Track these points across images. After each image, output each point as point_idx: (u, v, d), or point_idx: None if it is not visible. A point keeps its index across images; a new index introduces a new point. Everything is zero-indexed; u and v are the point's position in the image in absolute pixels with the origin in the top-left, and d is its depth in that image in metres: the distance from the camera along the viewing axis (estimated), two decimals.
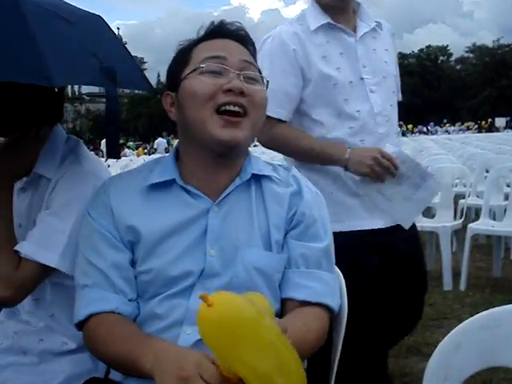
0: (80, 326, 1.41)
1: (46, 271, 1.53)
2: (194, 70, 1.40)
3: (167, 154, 1.58)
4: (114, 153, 1.55)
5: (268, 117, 1.67)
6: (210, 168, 1.44)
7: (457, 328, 1.13)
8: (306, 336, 1.33)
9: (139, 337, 1.30)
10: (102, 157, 13.33)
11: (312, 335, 1.37)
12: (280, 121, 2.25)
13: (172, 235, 1.40)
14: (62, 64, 1.34)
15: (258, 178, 1.48)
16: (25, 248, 1.52)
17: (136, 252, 1.41)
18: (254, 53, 1.51)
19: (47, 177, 1.62)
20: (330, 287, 1.44)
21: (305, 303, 1.41)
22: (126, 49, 1.77)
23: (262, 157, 1.98)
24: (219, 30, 1.48)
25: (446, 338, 1.13)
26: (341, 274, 1.58)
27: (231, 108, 1.34)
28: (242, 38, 1.48)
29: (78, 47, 1.48)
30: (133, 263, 1.42)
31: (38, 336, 1.65)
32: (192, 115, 1.39)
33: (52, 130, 1.70)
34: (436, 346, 3.35)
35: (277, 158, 7.53)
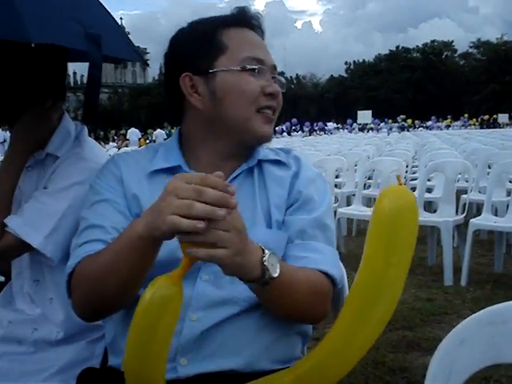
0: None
1: (25, 248, 1.54)
2: (239, 67, 1.39)
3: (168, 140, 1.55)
4: (92, 118, 1.65)
5: None
6: (225, 156, 1.44)
7: (461, 324, 1.10)
8: (300, 277, 1.29)
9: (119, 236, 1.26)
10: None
11: (307, 285, 1.31)
12: None
13: None
14: (39, 22, 1.40)
15: (259, 163, 1.48)
16: (12, 221, 1.53)
17: None
18: None
19: (56, 155, 1.63)
20: (326, 256, 1.39)
21: None
22: (112, 17, 1.80)
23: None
24: (246, 20, 1.47)
25: (449, 333, 1.10)
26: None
27: (268, 111, 1.43)
28: (262, 32, 1.50)
29: (60, 11, 1.53)
30: None
31: (33, 325, 1.63)
32: (235, 112, 1.39)
33: (63, 115, 1.71)
34: (436, 342, 3.33)
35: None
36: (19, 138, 1.60)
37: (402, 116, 60.45)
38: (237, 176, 1.44)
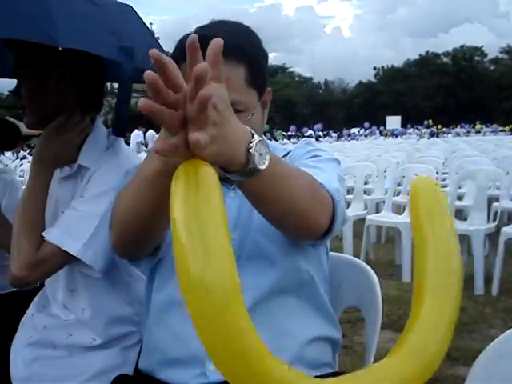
0: None
1: (65, 258, 1.53)
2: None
3: None
4: (122, 132, 1.63)
5: None
6: None
7: (499, 337, 1.08)
8: (297, 173, 1.18)
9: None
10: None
11: (306, 183, 1.18)
12: None
13: None
14: (71, 28, 1.42)
15: None
16: (50, 233, 1.53)
17: None
18: None
19: (88, 167, 1.63)
20: (323, 172, 1.29)
21: None
22: (156, 40, 1.82)
23: None
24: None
25: (487, 347, 1.08)
26: None
27: None
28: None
29: (94, 21, 1.55)
30: None
31: (67, 330, 1.65)
32: None
33: (94, 123, 1.72)
34: (467, 352, 3.29)
35: None
36: (38, 153, 1.60)
37: (429, 121, 59.88)
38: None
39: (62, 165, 1.66)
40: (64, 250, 1.51)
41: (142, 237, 1.22)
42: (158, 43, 1.79)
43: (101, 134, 1.72)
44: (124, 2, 1.76)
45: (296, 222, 1.19)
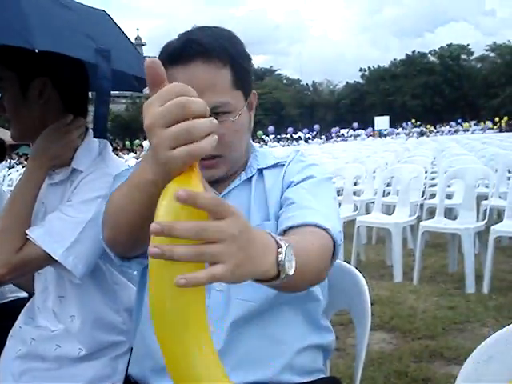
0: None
1: (46, 260, 1.53)
2: None
3: None
4: (101, 133, 1.62)
5: None
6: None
7: (488, 339, 1.08)
8: (308, 247, 1.13)
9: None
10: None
11: (314, 247, 1.16)
12: None
13: None
14: (46, 31, 1.43)
15: (260, 170, 1.47)
16: (34, 232, 1.53)
17: None
18: None
19: (81, 170, 1.64)
20: (316, 210, 1.28)
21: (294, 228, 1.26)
22: (132, 44, 1.86)
23: None
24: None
25: (476, 349, 1.07)
26: None
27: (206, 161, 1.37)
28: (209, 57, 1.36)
29: (70, 25, 1.56)
30: None
31: (55, 342, 1.64)
32: None
33: (87, 130, 1.73)
34: (459, 351, 3.30)
35: None
36: (38, 152, 1.60)
37: (413, 121, 60.12)
38: (232, 189, 1.43)
39: (58, 166, 1.66)
40: (47, 253, 1.51)
41: (131, 236, 1.20)
42: (135, 47, 1.81)
43: (93, 141, 1.72)
44: (112, 7, 1.79)
45: (310, 283, 1.22)
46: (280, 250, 0.90)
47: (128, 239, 1.21)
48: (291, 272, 0.92)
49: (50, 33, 1.45)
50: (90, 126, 1.70)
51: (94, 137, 1.64)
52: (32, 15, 1.42)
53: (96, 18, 1.77)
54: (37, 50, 1.55)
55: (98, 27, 1.71)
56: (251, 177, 1.46)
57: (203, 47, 1.27)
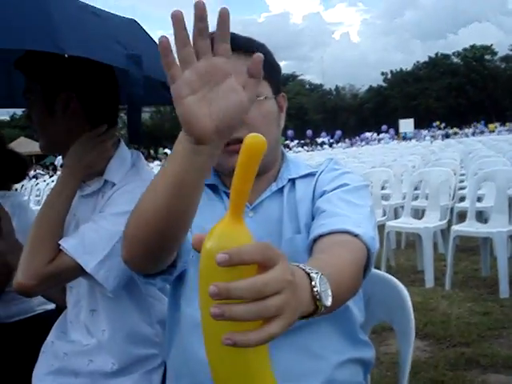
0: None
1: (77, 272, 1.50)
2: None
3: None
4: (137, 138, 1.63)
5: None
6: None
7: None
8: (339, 265, 1.08)
9: None
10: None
11: (346, 264, 1.11)
12: None
13: None
14: (76, 36, 1.43)
15: (293, 180, 1.46)
16: (67, 243, 1.50)
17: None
18: None
19: (114, 182, 1.63)
20: (346, 217, 1.25)
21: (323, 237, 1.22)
22: (154, 42, 1.82)
23: None
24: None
25: None
26: None
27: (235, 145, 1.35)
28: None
29: (99, 31, 1.57)
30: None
31: (88, 357, 1.62)
32: None
33: (119, 141, 1.72)
34: (496, 358, 3.22)
35: None
36: (73, 160, 1.59)
37: (438, 122, 59.60)
38: (263, 200, 1.42)
39: (92, 176, 1.65)
40: (78, 265, 1.48)
41: (147, 251, 1.16)
42: None
43: (126, 151, 1.71)
44: (135, 17, 1.79)
45: (345, 301, 1.15)
46: (313, 283, 0.84)
47: (144, 255, 1.17)
48: (329, 303, 0.86)
49: (79, 38, 1.44)
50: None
51: (130, 142, 1.63)
52: (61, 21, 1.41)
53: (126, 25, 1.76)
54: (66, 55, 1.55)
55: (128, 34, 1.70)
56: (282, 187, 1.43)
57: (244, 40, 1.36)
